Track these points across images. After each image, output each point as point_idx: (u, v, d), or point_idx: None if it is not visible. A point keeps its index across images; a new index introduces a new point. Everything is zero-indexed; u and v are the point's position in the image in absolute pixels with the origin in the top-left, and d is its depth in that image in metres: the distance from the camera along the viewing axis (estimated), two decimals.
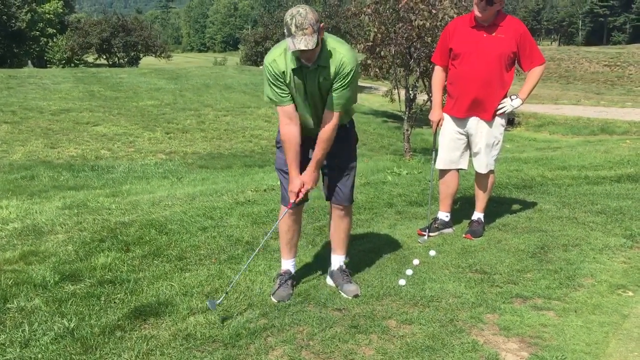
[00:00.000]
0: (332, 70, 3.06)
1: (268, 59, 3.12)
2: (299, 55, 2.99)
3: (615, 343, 2.88)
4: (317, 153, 3.23)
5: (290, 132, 3.18)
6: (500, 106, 4.29)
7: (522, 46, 4.19)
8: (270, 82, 3.13)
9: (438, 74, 4.50)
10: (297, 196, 3.26)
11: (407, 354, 2.76)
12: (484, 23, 4.17)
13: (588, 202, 5.46)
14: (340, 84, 3.09)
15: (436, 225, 4.62)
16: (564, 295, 3.39)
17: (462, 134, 4.44)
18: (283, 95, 3.14)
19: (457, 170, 4.58)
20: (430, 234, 4.52)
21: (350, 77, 3.08)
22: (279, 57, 3.08)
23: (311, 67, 3.05)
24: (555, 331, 2.97)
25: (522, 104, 4.33)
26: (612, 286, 3.52)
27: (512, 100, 4.29)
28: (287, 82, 3.11)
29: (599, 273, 3.71)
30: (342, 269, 3.56)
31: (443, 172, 4.60)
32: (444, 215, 4.67)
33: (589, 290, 3.47)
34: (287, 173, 3.34)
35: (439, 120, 4.49)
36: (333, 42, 3.09)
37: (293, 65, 3.05)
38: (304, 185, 3.25)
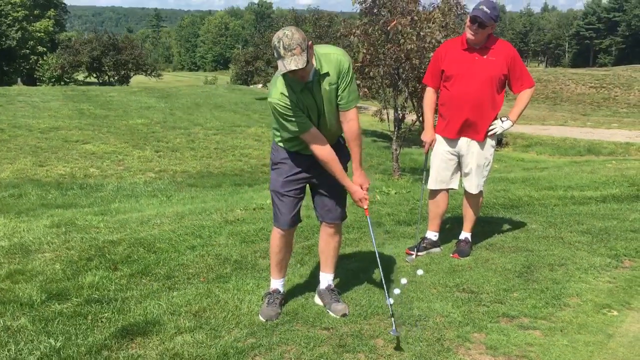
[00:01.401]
0: (334, 73, 3.11)
1: (275, 96, 3.09)
2: (290, 76, 3.02)
3: None
4: (355, 152, 3.32)
5: (327, 153, 3.21)
6: (491, 127, 4.35)
7: (512, 69, 4.26)
8: (287, 116, 3.11)
9: (429, 96, 4.53)
10: (366, 200, 3.35)
11: None
12: (476, 46, 4.24)
13: (574, 222, 5.52)
14: (345, 81, 3.15)
15: (424, 245, 4.64)
16: (550, 314, 3.42)
17: (454, 155, 4.48)
18: (304, 121, 3.14)
19: (447, 190, 4.63)
20: (419, 253, 4.54)
21: (350, 71, 3.17)
22: (283, 89, 3.09)
23: (313, 80, 3.09)
24: (541, 350, 2.99)
25: (512, 125, 4.40)
26: (598, 306, 3.55)
27: (502, 122, 4.35)
28: (301, 107, 3.12)
29: (585, 292, 3.74)
30: (331, 287, 3.57)
31: (434, 192, 4.63)
32: (432, 235, 4.70)
33: (575, 309, 3.50)
34: (282, 195, 3.35)
35: (432, 141, 4.53)
36: (322, 49, 3.15)
37: (299, 87, 3.08)
38: (362, 187, 3.33)
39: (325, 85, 3.12)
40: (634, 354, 2.99)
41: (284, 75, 3.06)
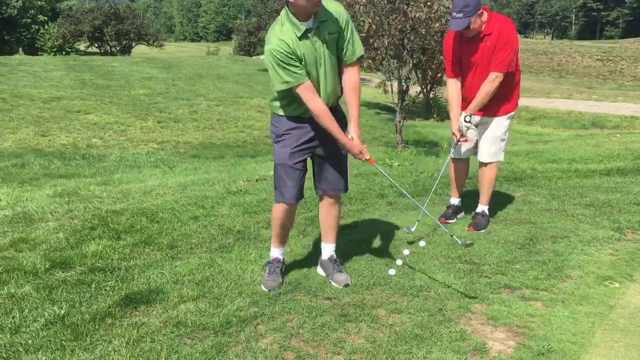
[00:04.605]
0: (332, 22, 3.10)
1: (272, 42, 3.03)
2: (294, 11, 2.98)
3: (601, 333, 2.92)
4: (354, 105, 3.30)
5: (321, 105, 3.14)
6: (461, 133, 4.34)
7: (496, 47, 4.12)
8: (283, 64, 3.02)
9: (450, 87, 4.44)
10: (366, 152, 3.29)
11: (395, 343, 2.78)
12: (475, 34, 4.18)
13: (577, 194, 5.50)
14: (347, 31, 3.15)
15: (452, 211, 4.79)
16: (551, 286, 3.43)
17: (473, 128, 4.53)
18: (300, 72, 3.06)
19: (466, 160, 4.71)
20: (449, 220, 4.71)
21: (350, 23, 3.17)
22: (282, 35, 3.03)
23: (313, 27, 3.05)
24: (542, 321, 3.01)
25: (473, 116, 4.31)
26: (599, 277, 3.56)
27: (466, 121, 4.29)
28: (299, 56, 3.05)
29: (587, 265, 3.75)
30: (333, 258, 3.58)
31: (454, 161, 4.72)
32: (456, 201, 4.85)
33: (576, 281, 3.51)
34: (290, 167, 3.29)
35: (457, 130, 4.40)
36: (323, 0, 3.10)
37: (298, 33, 3.03)
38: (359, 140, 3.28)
39: (324, 33, 3.08)
40: (635, 325, 3.00)
41: (286, 17, 3.04)
